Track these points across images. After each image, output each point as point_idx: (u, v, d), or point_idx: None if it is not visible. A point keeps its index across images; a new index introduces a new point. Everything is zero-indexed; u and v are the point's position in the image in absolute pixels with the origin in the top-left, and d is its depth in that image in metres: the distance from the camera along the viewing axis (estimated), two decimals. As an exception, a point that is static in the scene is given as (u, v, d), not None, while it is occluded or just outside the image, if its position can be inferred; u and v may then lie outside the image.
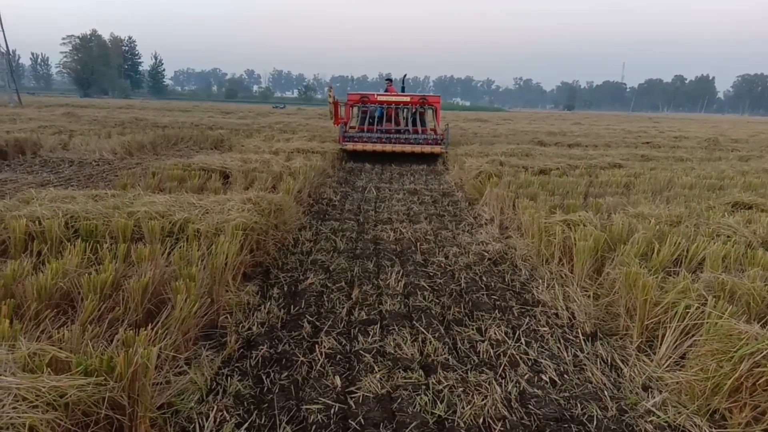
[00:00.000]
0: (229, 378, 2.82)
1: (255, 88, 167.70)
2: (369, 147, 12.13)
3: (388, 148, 12.10)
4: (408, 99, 13.43)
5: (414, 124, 13.17)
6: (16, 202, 4.78)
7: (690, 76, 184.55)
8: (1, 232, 4.04)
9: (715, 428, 2.43)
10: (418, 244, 5.55)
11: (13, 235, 3.95)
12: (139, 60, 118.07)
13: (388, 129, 12.86)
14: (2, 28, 34.06)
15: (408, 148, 12.12)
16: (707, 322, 2.80)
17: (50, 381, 1.93)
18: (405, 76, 14.61)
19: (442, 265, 4.87)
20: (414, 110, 13.38)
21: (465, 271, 4.69)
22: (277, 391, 2.75)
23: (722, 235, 4.76)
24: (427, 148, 12.12)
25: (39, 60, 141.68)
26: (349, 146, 12.18)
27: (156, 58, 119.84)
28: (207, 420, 2.42)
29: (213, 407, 2.52)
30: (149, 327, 2.53)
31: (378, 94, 13.42)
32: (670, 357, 2.96)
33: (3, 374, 1.92)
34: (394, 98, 13.53)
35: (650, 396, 2.75)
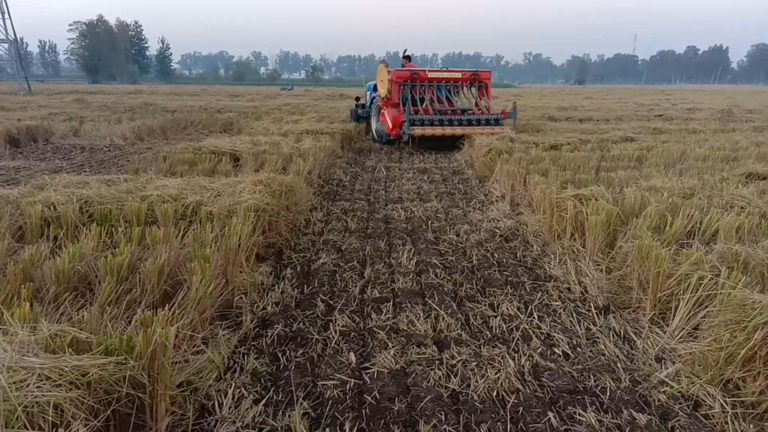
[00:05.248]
0: (245, 356, 2.87)
1: (262, 70, 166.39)
2: (439, 131, 10.54)
3: (458, 131, 10.64)
4: (459, 75, 12.21)
5: (452, 103, 12.15)
6: (31, 189, 4.84)
7: (703, 47, 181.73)
8: (17, 218, 4.10)
9: (728, 397, 2.44)
10: (429, 222, 5.55)
11: (30, 221, 4.01)
12: (146, 45, 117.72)
13: (444, 110, 11.52)
14: (9, 16, 34.14)
15: (479, 129, 10.64)
16: (721, 293, 2.79)
17: (72, 360, 1.98)
18: (405, 51, 14.17)
19: (454, 242, 4.88)
20: (468, 86, 12.29)
21: (476, 248, 4.70)
22: (293, 368, 2.79)
23: (736, 207, 4.71)
24: (497, 129, 10.73)
25: (47, 47, 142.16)
26: (417, 131, 10.43)
27: (163, 43, 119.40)
28: (225, 397, 2.47)
29: (231, 384, 2.57)
30: (166, 307, 2.57)
31: (429, 70, 12.11)
32: (683, 328, 2.97)
33: (26, 355, 1.97)
34: (445, 75, 12.27)
35: (663, 367, 2.76)
